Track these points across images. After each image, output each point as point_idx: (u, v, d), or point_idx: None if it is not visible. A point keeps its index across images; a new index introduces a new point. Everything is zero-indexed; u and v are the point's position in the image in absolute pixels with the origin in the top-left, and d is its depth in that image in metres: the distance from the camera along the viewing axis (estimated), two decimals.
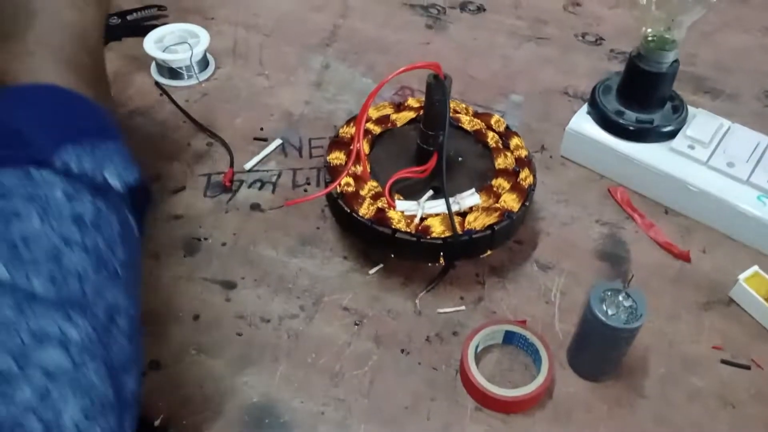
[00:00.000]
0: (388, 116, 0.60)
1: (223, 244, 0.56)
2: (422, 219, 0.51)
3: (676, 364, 0.50)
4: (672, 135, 0.61)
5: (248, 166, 0.63)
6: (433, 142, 0.53)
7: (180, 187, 0.60)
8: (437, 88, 0.49)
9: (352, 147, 0.54)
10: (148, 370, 0.48)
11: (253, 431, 0.45)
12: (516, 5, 0.85)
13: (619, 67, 0.76)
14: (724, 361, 0.51)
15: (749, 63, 0.77)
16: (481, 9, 0.85)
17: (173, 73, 0.71)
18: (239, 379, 0.48)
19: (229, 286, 0.53)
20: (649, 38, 0.58)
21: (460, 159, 0.57)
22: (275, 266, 0.55)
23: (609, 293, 0.45)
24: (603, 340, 0.46)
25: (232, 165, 0.62)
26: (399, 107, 0.61)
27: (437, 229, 0.50)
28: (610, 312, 0.44)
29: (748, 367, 0.51)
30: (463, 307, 0.53)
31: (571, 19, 0.84)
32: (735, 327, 0.53)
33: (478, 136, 0.59)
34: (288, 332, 0.50)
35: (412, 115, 0.60)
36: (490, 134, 0.59)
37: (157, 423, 0.45)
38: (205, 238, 0.56)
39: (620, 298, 0.45)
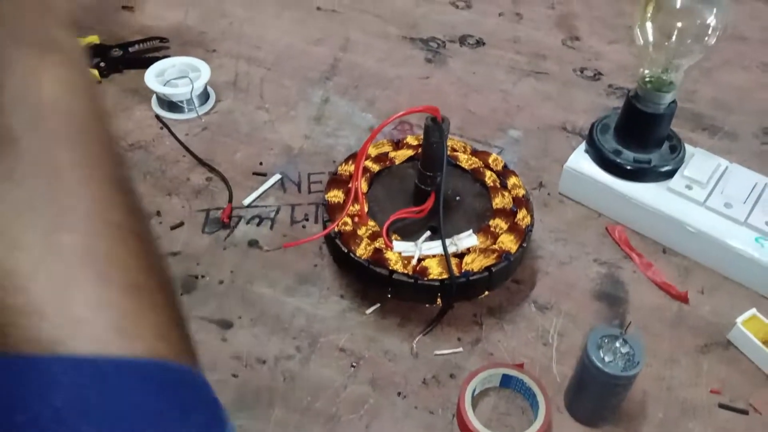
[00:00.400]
0: (386, 154, 0.60)
1: (221, 282, 0.56)
2: (420, 260, 0.51)
3: (675, 410, 0.50)
4: (670, 175, 0.61)
5: (247, 201, 0.63)
6: (431, 182, 0.53)
7: (178, 222, 0.60)
8: (435, 131, 0.49)
9: (350, 186, 0.54)
10: None
11: None
12: (515, 40, 0.86)
13: (618, 102, 0.76)
14: (722, 406, 0.50)
15: (748, 100, 0.78)
16: (480, 43, 0.85)
17: (173, 106, 0.71)
18: (234, 423, 0.47)
19: (226, 325, 0.53)
20: (647, 79, 0.58)
21: (457, 198, 0.57)
22: (272, 305, 0.55)
23: (606, 339, 0.45)
24: (600, 387, 0.45)
25: (230, 200, 0.62)
26: (398, 145, 0.61)
27: (434, 270, 0.50)
28: (607, 359, 0.44)
29: (746, 412, 0.50)
30: (460, 349, 0.53)
31: (570, 53, 0.84)
32: (733, 371, 0.52)
33: (475, 175, 0.59)
34: (284, 374, 0.50)
35: (410, 153, 0.60)
36: (488, 173, 0.59)
37: None
38: (203, 276, 0.56)
39: (617, 345, 0.45)
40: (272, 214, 0.62)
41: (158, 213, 0.61)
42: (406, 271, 0.50)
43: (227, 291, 0.55)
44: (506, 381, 0.50)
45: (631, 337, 0.45)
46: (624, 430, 0.48)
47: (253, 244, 0.59)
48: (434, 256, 0.51)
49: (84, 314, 0.23)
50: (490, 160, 0.60)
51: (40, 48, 0.28)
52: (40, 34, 0.28)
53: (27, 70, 0.27)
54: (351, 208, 0.53)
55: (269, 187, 0.64)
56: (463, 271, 0.51)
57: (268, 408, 0.48)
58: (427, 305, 0.54)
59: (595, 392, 0.46)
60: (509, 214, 0.55)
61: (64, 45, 0.29)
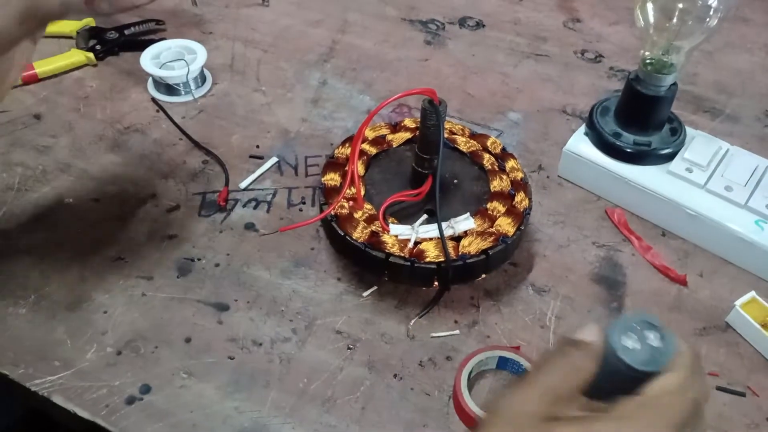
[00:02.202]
0: (384, 137, 0.60)
1: (217, 265, 0.56)
2: (416, 243, 0.51)
3: None
4: (670, 157, 0.60)
5: (243, 184, 0.62)
6: (428, 165, 0.52)
7: (174, 206, 0.60)
8: (432, 113, 0.49)
9: (347, 169, 0.54)
10: (138, 394, 0.47)
11: None
12: (515, 21, 0.85)
13: (619, 85, 0.76)
14: (720, 388, 0.50)
15: (750, 83, 0.77)
16: (480, 25, 0.84)
17: (170, 89, 0.71)
18: (230, 404, 0.47)
19: (222, 308, 0.53)
20: (648, 61, 0.57)
21: (455, 181, 0.56)
22: (268, 288, 0.54)
23: (640, 326, 0.39)
24: (606, 372, 0.40)
25: (227, 184, 0.62)
26: (395, 128, 0.61)
27: (431, 253, 0.50)
28: (629, 344, 0.39)
29: (743, 395, 0.50)
30: (457, 331, 0.52)
31: (571, 35, 0.83)
32: (731, 354, 0.52)
33: (474, 158, 0.58)
34: (280, 356, 0.50)
35: (408, 135, 0.60)
36: (486, 156, 0.58)
37: None
38: (199, 259, 0.56)
39: (651, 335, 0.39)
40: (269, 198, 0.62)
41: (154, 196, 0.61)
42: (402, 254, 0.50)
43: (223, 274, 0.55)
44: (503, 363, 0.50)
45: (669, 335, 0.39)
46: None
47: (249, 227, 0.59)
48: (431, 239, 0.51)
49: None
50: (488, 143, 0.60)
51: None
52: None
53: None
54: (348, 191, 0.53)
55: (266, 170, 0.64)
56: (460, 254, 0.50)
57: (264, 390, 0.48)
58: (423, 288, 0.54)
59: (599, 376, 0.41)
60: (507, 197, 0.55)
61: None
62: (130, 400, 0.47)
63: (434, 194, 0.52)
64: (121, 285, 0.54)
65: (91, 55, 0.75)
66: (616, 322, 0.36)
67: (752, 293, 0.54)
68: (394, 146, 0.59)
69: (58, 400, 0.47)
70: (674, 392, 0.31)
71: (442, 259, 0.50)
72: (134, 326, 0.51)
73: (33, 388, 0.48)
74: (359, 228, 0.51)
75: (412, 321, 0.53)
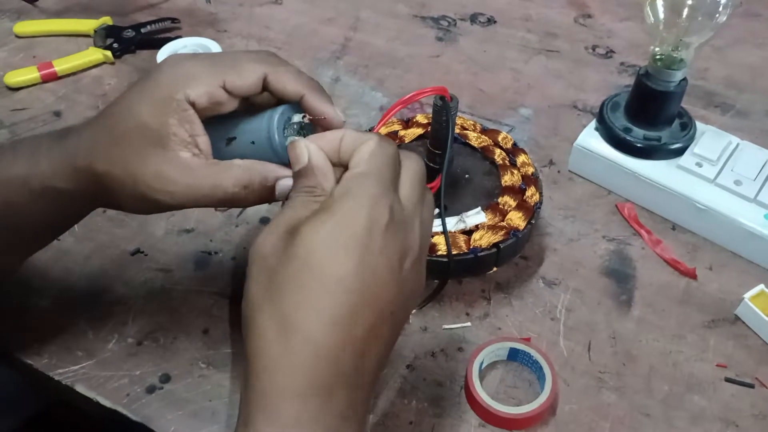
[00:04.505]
0: (396, 132, 0.61)
1: (233, 258, 0.57)
2: None
3: (681, 384, 0.50)
4: (680, 152, 0.61)
5: None
6: (440, 160, 0.53)
7: None
8: (443, 110, 0.50)
9: None
10: (159, 383, 0.49)
11: None
12: (526, 18, 0.86)
13: (630, 80, 0.76)
14: (728, 380, 0.51)
15: (761, 78, 0.77)
16: (491, 21, 0.85)
17: None
18: None
19: (239, 300, 0.54)
20: (657, 57, 0.58)
21: (466, 176, 0.57)
22: None
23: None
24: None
25: None
26: (407, 123, 0.62)
27: (442, 246, 0.51)
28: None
29: (752, 386, 0.51)
30: (468, 323, 0.53)
31: (582, 31, 0.84)
32: (740, 346, 0.53)
33: (485, 153, 0.59)
34: None
35: (420, 131, 0.61)
36: (497, 151, 0.59)
37: None
38: (216, 252, 0.58)
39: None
40: None
41: None
42: None
43: (240, 267, 0.56)
44: (513, 354, 0.51)
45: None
46: (629, 404, 0.49)
47: (264, 221, 0.60)
48: (442, 233, 0.52)
49: None
50: (499, 138, 0.61)
51: None
52: None
53: None
54: None
55: None
56: (471, 247, 0.51)
57: None
58: (436, 281, 0.55)
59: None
60: (518, 192, 0.56)
61: None
62: (151, 389, 0.49)
63: (441, 190, 0.53)
64: (140, 278, 0.55)
65: (108, 53, 0.76)
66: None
67: (761, 286, 0.55)
68: (406, 142, 0.60)
69: (80, 389, 0.49)
70: (373, 155, 0.35)
71: (455, 253, 0.51)
72: (154, 318, 0.53)
73: (56, 378, 0.49)
74: None
75: (412, 312, 0.53)
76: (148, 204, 0.38)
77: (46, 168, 0.39)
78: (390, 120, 0.62)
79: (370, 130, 0.52)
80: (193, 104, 0.37)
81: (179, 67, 0.38)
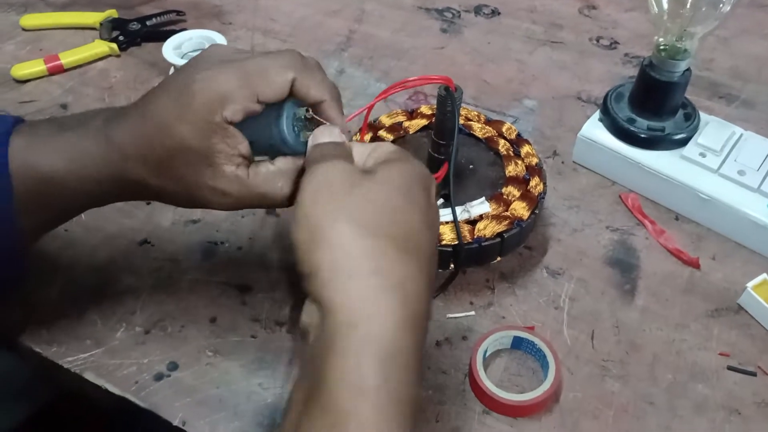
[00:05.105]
0: (401, 123, 0.61)
1: (239, 249, 0.58)
2: None
3: (684, 372, 0.51)
4: (684, 143, 0.61)
5: None
6: (444, 151, 0.54)
7: None
8: (448, 100, 0.50)
9: None
10: (166, 371, 0.49)
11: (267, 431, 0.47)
12: (531, 9, 0.86)
13: (634, 71, 0.76)
14: (731, 368, 0.51)
15: (766, 69, 0.77)
16: (495, 12, 0.85)
17: None
18: (254, 381, 0.49)
19: (245, 289, 0.55)
20: (661, 47, 0.58)
21: (471, 167, 0.57)
22: (288, 271, 0.56)
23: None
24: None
25: None
26: (412, 114, 0.62)
27: (447, 236, 0.51)
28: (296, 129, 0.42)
29: (754, 374, 0.51)
30: (472, 313, 0.54)
31: (586, 22, 0.84)
32: (743, 335, 0.53)
33: (489, 144, 0.59)
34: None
35: (424, 122, 0.61)
36: (502, 142, 0.59)
37: (175, 423, 0.47)
38: (222, 243, 0.58)
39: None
40: None
41: None
42: None
43: (246, 257, 0.57)
44: (517, 343, 0.51)
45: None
46: (633, 392, 0.50)
47: (270, 212, 0.61)
48: (447, 222, 0.53)
49: None
50: (503, 129, 0.61)
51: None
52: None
53: None
54: None
55: None
56: (475, 237, 0.52)
57: (287, 367, 0.50)
58: (441, 270, 0.55)
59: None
60: (522, 182, 0.56)
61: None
62: (159, 377, 0.49)
63: (449, 179, 0.53)
64: (148, 267, 0.56)
65: (114, 45, 0.77)
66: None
67: (764, 275, 0.55)
68: (410, 132, 0.60)
69: (89, 376, 0.49)
70: (394, 158, 0.38)
71: (457, 242, 0.51)
72: (161, 306, 0.53)
73: (66, 366, 0.50)
74: None
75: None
76: (201, 207, 0.42)
77: (94, 174, 0.41)
78: (395, 111, 0.63)
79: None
80: (231, 122, 0.39)
81: (212, 84, 0.38)
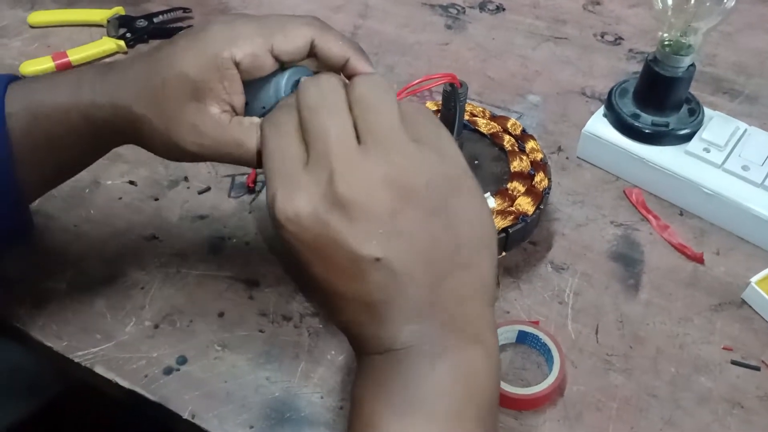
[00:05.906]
0: None
1: (246, 244, 0.58)
2: None
3: (687, 365, 0.51)
4: (688, 138, 0.61)
5: None
6: None
7: (205, 188, 0.62)
8: (453, 96, 0.50)
9: None
10: (176, 364, 0.50)
11: (274, 424, 0.47)
12: (535, 5, 0.86)
13: (638, 67, 0.76)
14: (734, 362, 0.52)
15: None
16: (500, 8, 0.85)
17: None
18: (262, 374, 0.50)
19: (252, 284, 0.55)
20: (666, 43, 0.58)
21: (476, 162, 0.58)
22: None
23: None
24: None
25: None
26: None
27: None
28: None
29: (757, 368, 0.51)
30: None
31: (591, 18, 0.84)
32: (746, 329, 0.54)
33: (494, 139, 0.60)
34: (308, 330, 0.52)
35: None
36: (506, 137, 0.60)
37: (184, 416, 0.47)
38: (229, 238, 0.59)
39: None
40: None
41: (186, 179, 0.63)
42: None
43: (253, 252, 0.58)
44: (522, 337, 0.52)
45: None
46: (636, 385, 0.50)
47: None
48: None
49: None
50: (508, 125, 0.61)
51: (469, 341, 0.35)
52: (474, 328, 0.35)
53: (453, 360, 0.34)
54: None
55: None
56: None
57: (294, 361, 0.51)
58: None
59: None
60: (527, 177, 0.57)
61: (486, 340, 0.35)
62: (168, 371, 0.50)
63: None
64: (156, 262, 0.57)
65: (121, 42, 0.77)
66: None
67: None
68: None
69: (99, 370, 0.50)
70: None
71: None
72: (170, 301, 0.54)
73: (76, 360, 0.51)
74: None
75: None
76: (177, 152, 0.40)
77: (88, 100, 0.41)
78: None
79: None
80: (237, 64, 0.38)
81: (230, 25, 0.39)
